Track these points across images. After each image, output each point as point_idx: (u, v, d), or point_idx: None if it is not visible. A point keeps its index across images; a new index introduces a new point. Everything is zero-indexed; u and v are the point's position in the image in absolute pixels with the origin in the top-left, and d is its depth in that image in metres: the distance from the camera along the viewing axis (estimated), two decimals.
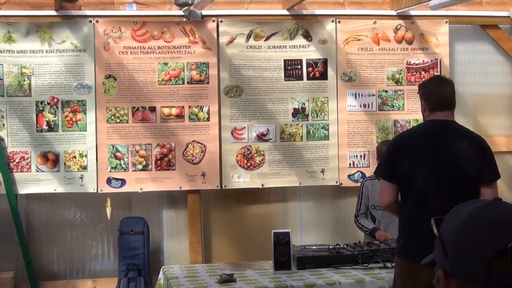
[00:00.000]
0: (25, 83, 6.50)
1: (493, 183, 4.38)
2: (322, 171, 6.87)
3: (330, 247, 5.72)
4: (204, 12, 6.73)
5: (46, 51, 6.52)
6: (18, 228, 6.48)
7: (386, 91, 6.95)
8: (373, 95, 6.96)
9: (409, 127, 6.74)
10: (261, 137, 6.79)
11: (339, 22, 6.88)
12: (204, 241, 6.86)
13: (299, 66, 6.83)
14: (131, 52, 6.62)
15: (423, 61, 7.01)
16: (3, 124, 6.48)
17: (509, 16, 7.18)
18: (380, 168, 4.62)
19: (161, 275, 5.66)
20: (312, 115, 6.85)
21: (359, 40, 6.92)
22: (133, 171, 6.64)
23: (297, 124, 6.84)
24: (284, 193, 7.06)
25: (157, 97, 6.64)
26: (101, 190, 6.60)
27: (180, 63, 6.68)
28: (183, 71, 6.68)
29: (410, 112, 6.95)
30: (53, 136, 6.54)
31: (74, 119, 6.56)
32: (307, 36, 6.84)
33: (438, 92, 4.47)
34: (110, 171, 6.61)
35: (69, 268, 6.77)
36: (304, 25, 6.85)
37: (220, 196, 6.89)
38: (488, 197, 4.23)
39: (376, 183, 5.44)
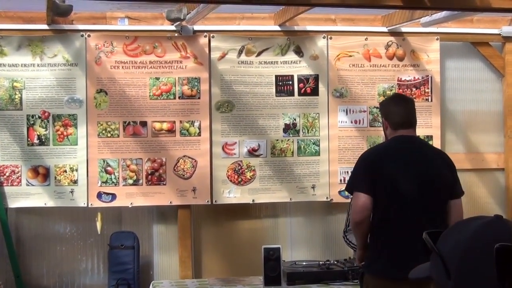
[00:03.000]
0: (16, 96, 6.49)
1: (460, 197, 4.51)
2: (313, 187, 6.86)
3: (320, 263, 5.72)
4: (196, 28, 6.74)
5: (38, 65, 6.51)
6: (8, 242, 6.46)
7: (377, 107, 6.95)
8: (364, 111, 6.97)
9: None
10: (252, 153, 6.79)
11: (330, 38, 6.90)
12: (194, 256, 6.84)
13: (290, 82, 6.84)
14: (122, 67, 6.62)
15: (414, 77, 7.02)
16: None
17: (499, 34, 7.20)
18: (356, 184, 4.51)
19: None
20: (303, 130, 6.86)
21: (350, 56, 6.94)
22: (123, 185, 6.62)
23: (288, 140, 6.84)
24: (275, 209, 7.05)
25: (148, 112, 6.64)
26: (91, 204, 6.58)
27: (172, 78, 6.68)
28: (175, 86, 6.68)
29: None
30: (44, 150, 6.53)
31: (65, 133, 6.54)
32: (299, 52, 6.85)
33: (399, 110, 4.55)
34: (101, 186, 6.60)
35: (58, 282, 6.74)
36: (295, 41, 6.86)
37: (210, 211, 6.88)
38: (458, 209, 4.39)
39: None
